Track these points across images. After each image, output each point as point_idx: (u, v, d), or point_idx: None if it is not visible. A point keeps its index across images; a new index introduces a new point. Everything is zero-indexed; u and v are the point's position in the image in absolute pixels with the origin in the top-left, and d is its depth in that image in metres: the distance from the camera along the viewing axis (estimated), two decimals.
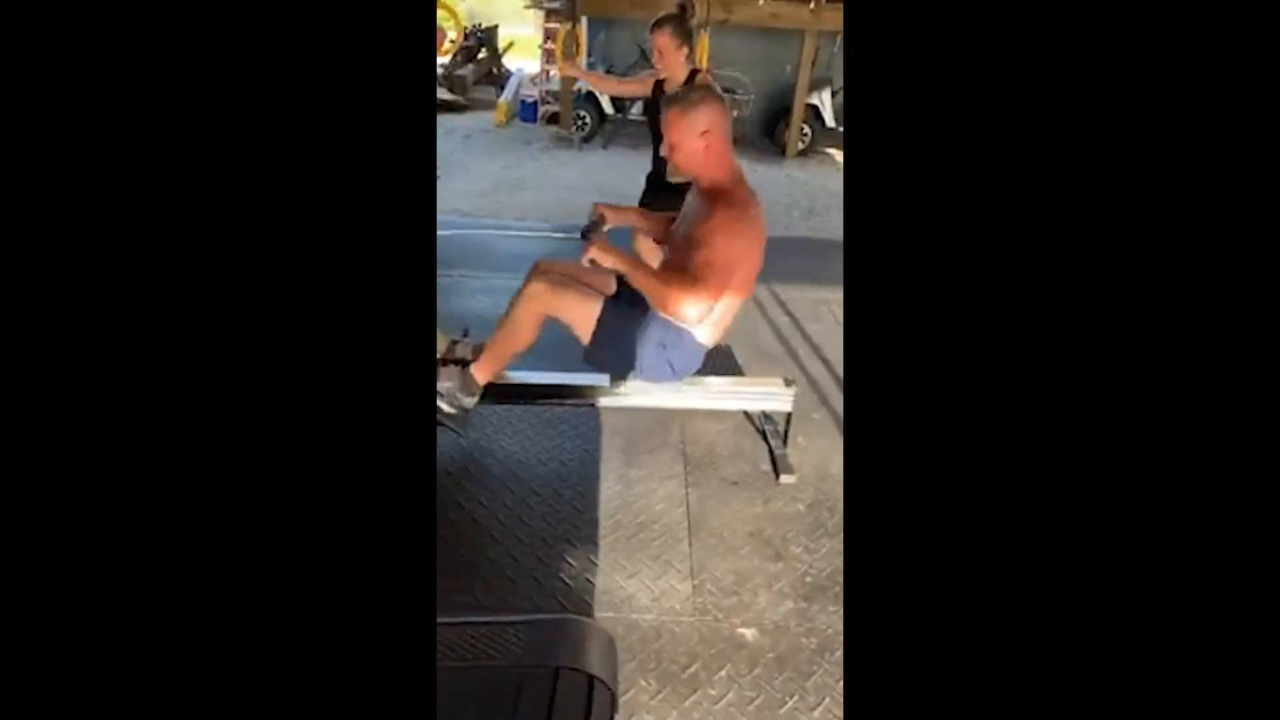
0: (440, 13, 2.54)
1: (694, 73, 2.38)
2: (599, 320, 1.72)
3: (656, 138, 2.60)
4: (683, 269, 1.58)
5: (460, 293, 3.02)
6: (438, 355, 1.94)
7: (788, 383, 1.98)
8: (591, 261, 1.60)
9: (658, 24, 2.31)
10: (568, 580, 1.60)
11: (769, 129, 6.92)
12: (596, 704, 0.99)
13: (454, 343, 1.99)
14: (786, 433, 2.05)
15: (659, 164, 2.62)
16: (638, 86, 2.62)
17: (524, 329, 1.73)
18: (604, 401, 1.94)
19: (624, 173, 5.64)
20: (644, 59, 6.82)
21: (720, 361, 2.63)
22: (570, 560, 1.66)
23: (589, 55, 6.73)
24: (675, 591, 1.59)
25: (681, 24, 2.33)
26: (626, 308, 1.74)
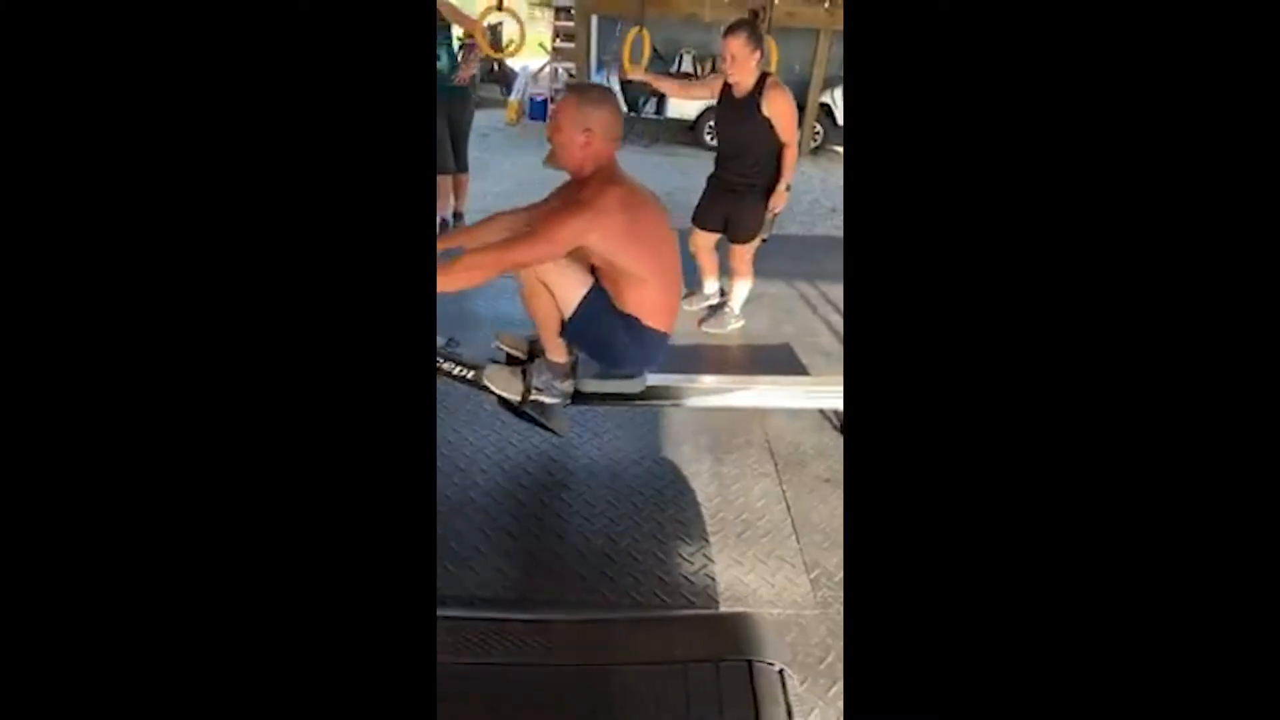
0: (504, 15, 2.52)
1: (764, 76, 2.42)
2: (584, 298, 1.70)
3: (723, 141, 2.65)
4: None
5: (495, 291, 3.03)
6: (520, 354, 1.97)
7: None
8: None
9: (732, 29, 2.35)
10: (689, 577, 1.65)
11: None
12: (790, 693, 1.04)
13: (532, 341, 2.01)
14: None
15: (721, 166, 2.67)
16: (704, 90, 2.66)
17: (539, 298, 1.72)
18: (692, 401, 1.98)
19: (644, 170, 5.66)
20: (657, 58, 6.86)
21: (783, 361, 2.69)
22: (685, 557, 1.70)
23: (600, 53, 6.75)
24: (794, 585, 1.64)
25: (755, 30, 2.37)
26: (606, 295, 1.74)
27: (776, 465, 2.05)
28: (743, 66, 2.38)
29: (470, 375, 1.90)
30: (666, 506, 1.86)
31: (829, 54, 6.14)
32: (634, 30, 2.96)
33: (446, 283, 1.53)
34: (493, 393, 1.85)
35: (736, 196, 2.61)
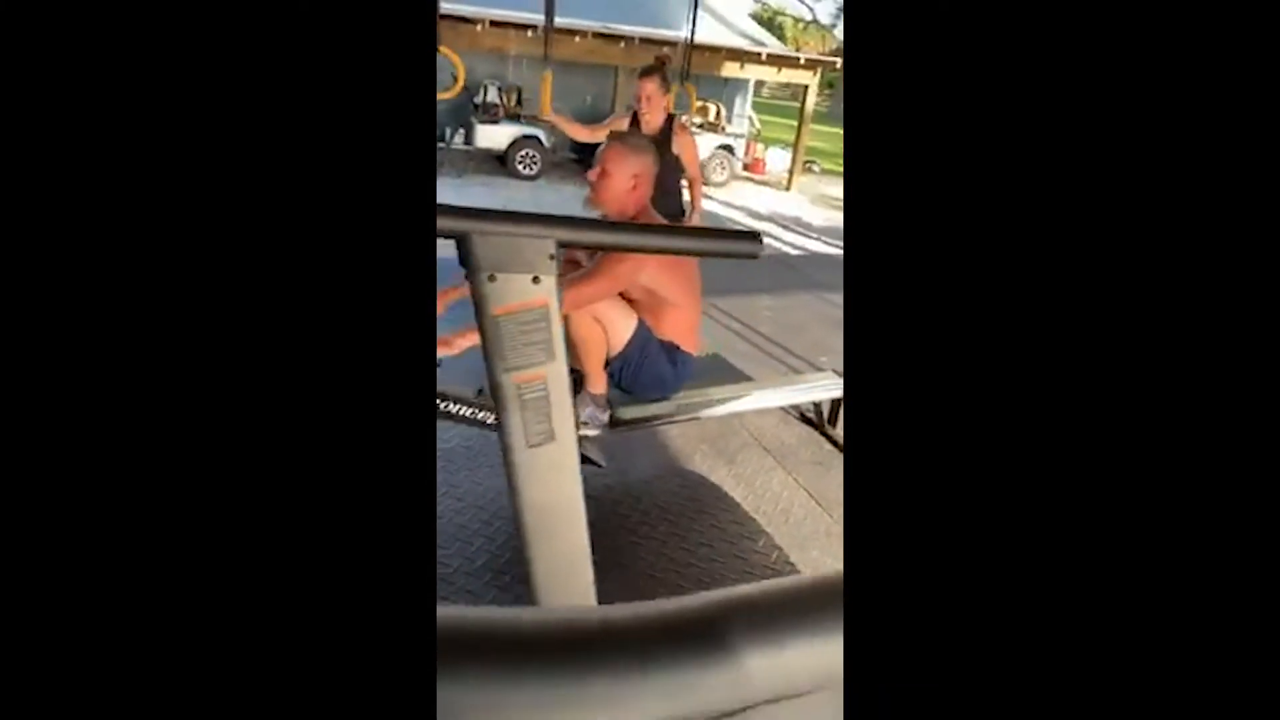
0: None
1: (670, 118, 2.67)
2: (634, 331, 1.85)
3: None
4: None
5: None
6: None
7: (837, 373, 2.39)
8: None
9: (647, 73, 2.57)
10: (771, 566, 1.82)
11: (577, 149, 7.50)
12: None
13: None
14: (835, 413, 2.45)
15: None
16: (609, 131, 2.82)
17: (591, 332, 1.81)
18: (706, 412, 2.14)
19: (468, 200, 5.59)
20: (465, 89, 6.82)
21: (727, 369, 2.95)
22: (760, 550, 1.87)
23: None
24: None
25: (664, 76, 2.61)
26: (649, 330, 1.91)
27: (775, 459, 2.30)
28: (656, 107, 2.61)
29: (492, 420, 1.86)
30: (714, 511, 2.01)
31: (623, 90, 6.63)
32: (546, 74, 3.04)
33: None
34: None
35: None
